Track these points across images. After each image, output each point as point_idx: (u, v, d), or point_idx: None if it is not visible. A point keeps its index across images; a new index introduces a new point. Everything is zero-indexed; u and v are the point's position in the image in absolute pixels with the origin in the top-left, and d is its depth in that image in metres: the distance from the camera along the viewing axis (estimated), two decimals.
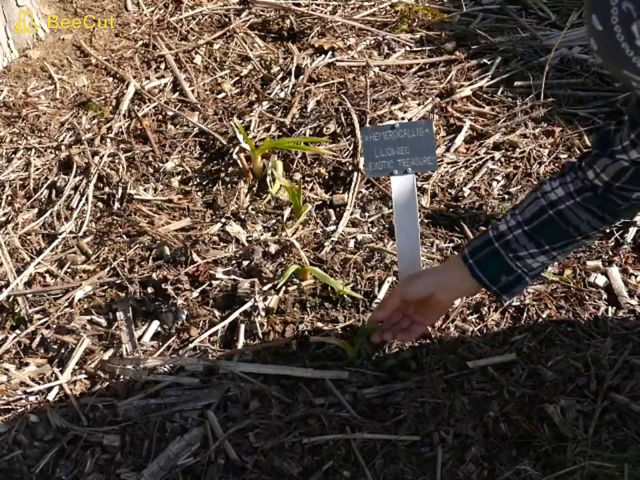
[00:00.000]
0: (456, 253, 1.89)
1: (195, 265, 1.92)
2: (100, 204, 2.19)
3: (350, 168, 2.17)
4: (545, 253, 1.48)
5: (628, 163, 1.37)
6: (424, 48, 2.59)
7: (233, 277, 1.89)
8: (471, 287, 1.55)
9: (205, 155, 2.33)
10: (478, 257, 1.51)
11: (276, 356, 1.72)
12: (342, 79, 2.46)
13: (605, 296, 1.78)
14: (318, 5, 2.85)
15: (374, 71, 2.48)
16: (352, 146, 2.23)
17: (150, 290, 1.89)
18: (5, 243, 2.08)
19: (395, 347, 1.70)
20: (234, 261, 1.94)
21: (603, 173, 1.40)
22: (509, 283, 1.51)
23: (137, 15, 2.91)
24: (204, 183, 2.23)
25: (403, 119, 2.27)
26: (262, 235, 2.03)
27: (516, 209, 1.51)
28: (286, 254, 1.94)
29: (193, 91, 2.53)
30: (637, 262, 1.85)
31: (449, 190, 2.10)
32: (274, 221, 2.08)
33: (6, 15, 2.65)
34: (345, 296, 1.81)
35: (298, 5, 2.82)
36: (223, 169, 2.25)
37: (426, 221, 2.00)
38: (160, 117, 2.45)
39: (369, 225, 2.03)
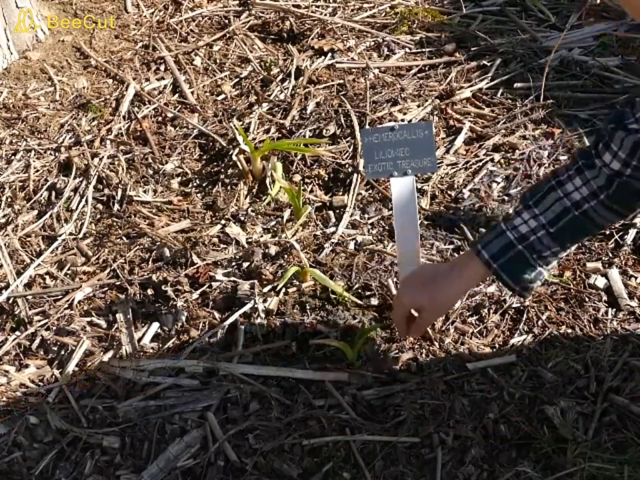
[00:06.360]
0: (456, 255, 1.89)
1: (195, 266, 1.92)
2: (100, 205, 2.19)
3: (350, 169, 2.17)
4: (565, 249, 1.50)
5: None
6: (424, 50, 2.59)
7: (232, 278, 1.89)
8: (480, 281, 1.68)
9: (204, 157, 2.33)
10: (502, 261, 1.48)
11: (276, 357, 1.72)
12: (342, 81, 2.46)
13: (604, 298, 1.78)
14: (318, 6, 2.85)
15: (374, 73, 2.48)
16: (351, 147, 2.23)
17: (150, 291, 1.89)
18: (4, 244, 2.08)
19: (395, 349, 1.70)
20: (234, 263, 1.94)
21: (621, 149, 1.38)
22: (530, 281, 1.50)
23: (136, 16, 2.91)
24: (204, 185, 2.23)
25: (402, 120, 2.27)
26: (262, 236, 2.02)
27: (535, 208, 1.47)
28: (286, 255, 1.94)
29: (192, 92, 2.54)
30: (637, 264, 1.84)
31: (449, 192, 2.10)
32: (274, 222, 2.08)
33: (6, 17, 2.66)
34: (345, 297, 1.81)
35: (298, 6, 2.83)
36: (222, 170, 2.25)
37: (426, 222, 2.00)
38: (160, 118, 2.46)
39: (369, 226, 2.03)
